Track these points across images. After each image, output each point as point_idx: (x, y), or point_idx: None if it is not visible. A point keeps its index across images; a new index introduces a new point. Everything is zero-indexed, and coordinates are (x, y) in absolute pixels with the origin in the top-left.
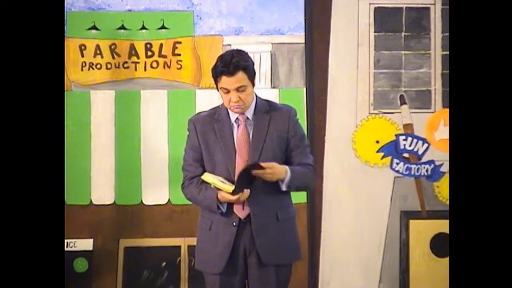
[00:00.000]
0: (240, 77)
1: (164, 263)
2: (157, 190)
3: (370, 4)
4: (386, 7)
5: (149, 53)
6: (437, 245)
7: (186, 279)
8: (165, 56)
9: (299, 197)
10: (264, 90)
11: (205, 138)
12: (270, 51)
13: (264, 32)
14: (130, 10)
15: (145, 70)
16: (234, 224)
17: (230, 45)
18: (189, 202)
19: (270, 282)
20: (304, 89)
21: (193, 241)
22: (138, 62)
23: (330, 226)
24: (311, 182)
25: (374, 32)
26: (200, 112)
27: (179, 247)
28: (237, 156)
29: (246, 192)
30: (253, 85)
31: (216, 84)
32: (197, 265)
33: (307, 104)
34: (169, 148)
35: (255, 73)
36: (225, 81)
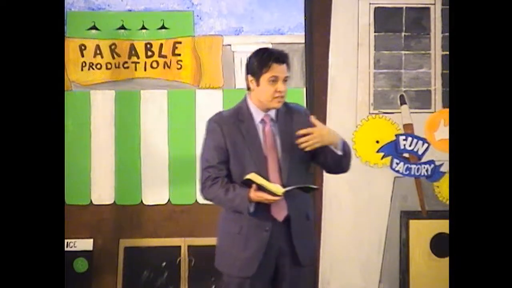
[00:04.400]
0: (286, 67)
1: (164, 263)
2: (157, 190)
3: (370, 4)
4: (386, 7)
5: (149, 53)
6: (437, 245)
7: (186, 279)
8: (165, 56)
9: None
10: None
11: (232, 139)
12: None
13: (264, 32)
14: (130, 10)
15: (145, 70)
16: (267, 229)
17: (230, 45)
18: (190, 202)
19: (301, 282)
20: (304, 89)
21: (193, 241)
22: (138, 62)
23: (330, 226)
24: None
25: (374, 32)
26: (220, 112)
27: (179, 247)
28: (268, 158)
29: (277, 197)
30: None
31: (258, 76)
32: (219, 267)
33: (307, 104)
34: (169, 148)
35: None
36: (276, 68)
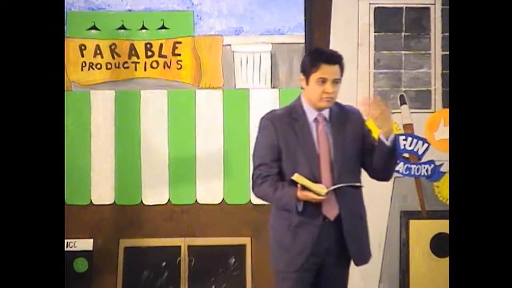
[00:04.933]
0: (338, 69)
1: (164, 263)
2: (157, 190)
3: (370, 4)
4: (386, 7)
5: (149, 53)
6: (437, 245)
7: (186, 279)
8: (165, 56)
9: None
10: (264, 90)
11: (285, 138)
12: (270, 51)
13: (264, 32)
14: (130, 10)
15: (145, 70)
16: (317, 225)
17: (230, 45)
18: (190, 202)
19: (344, 281)
20: None
21: (193, 241)
22: (138, 62)
23: None
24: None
25: (374, 32)
26: (273, 110)
27: (179, 247)
28: (320, 157)
29: (325, 197)
30: None
31: (308, 76)
32: (272, 265)
33: None
34: (169, 148)
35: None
36: (325, 69)
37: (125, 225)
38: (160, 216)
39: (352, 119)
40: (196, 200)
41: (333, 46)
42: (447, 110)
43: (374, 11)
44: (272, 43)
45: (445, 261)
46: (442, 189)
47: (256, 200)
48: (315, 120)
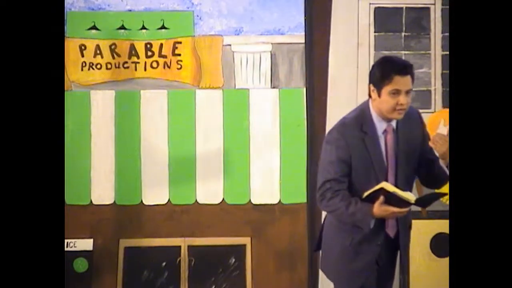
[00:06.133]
0: (410, 80)
1: (164, 263)
2: (157, 190)
3: (370, 4)
4: (386, 7)
5: (149, 53)
6: (437, 245)
7: (186, 279)
8: (165, 56)
9: (299, 197)
10: (264, 90)
11: (356, 153)
12: (270, 51)
13: (264, 32)
14: (130, 10)
15: (145, 70)
16: (379, 243)
17: (230, 45)
18: (190, 202)
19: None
20: (304, 89)
21: (193, 241)
22: (138, 62)
23: None
24: None
25: (374, 32)
26: (343, 121)
27: (179, 247)
28: (388, 171)
29: (409, 208)
30: None
31: (380, 88)
32: (325, 271)
33: (307, 104)
34: (169, 148)
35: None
36: (398, 81)
37: (125, 225)
38: (160, 216)
39: (414, 125)
40: (196, 200)
41: (333, 46)
42: (447, 110)
43: (374, 11)
44: (272, 43)
45: (445, 261)
46: (442, 189)
47: (256, 200)
48: (385, 131)
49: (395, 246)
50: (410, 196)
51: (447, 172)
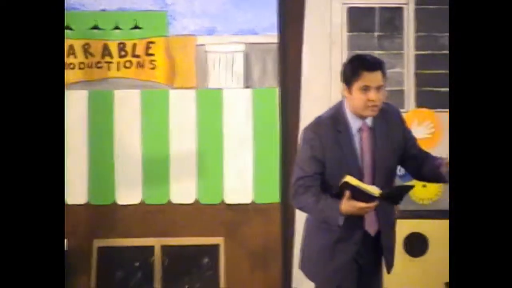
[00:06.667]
0: (380, 75)
1: (137, 263)
2: (130, 190)
3: (343, 4)
4: (359, 7)
5: (123, 53)
6: (411, 244)
7: (160, 279)
8: (138, 56)
9: (272, 197)
10: (237, 90)
11: (329, 151)
12: (244, 51)
13: (238, 32)
14: (103, 10)
15: (118, 70)
16: (356, 243)
17: (203, 45)
18: (163, 202)
19: (379, 285)
20: (278, 89)
21: (166, 241)
22: (112, 62)
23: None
24: None
25: (347, 31)
26: (318, 120)
27: (153, 247)
28: (364, 169)
29: (376, 203)
30: None
31: (350, 85)
32: (304, 270)
33: (280, 104)
34: (142, 148)
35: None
36: (366, 77)
37: (99, 225)
38: (133, 216)
39: (393, 123)
40: (169, 200)
41: (307, 45)
42: (420, 110)
43: (347, 10)
44: (245, 43)
45: (419, 260)
46: (415, 189)
47: (229, 200)
48: (359, 129)
49: (377, 244)
50: (374, 189)
51: (442, 167)
